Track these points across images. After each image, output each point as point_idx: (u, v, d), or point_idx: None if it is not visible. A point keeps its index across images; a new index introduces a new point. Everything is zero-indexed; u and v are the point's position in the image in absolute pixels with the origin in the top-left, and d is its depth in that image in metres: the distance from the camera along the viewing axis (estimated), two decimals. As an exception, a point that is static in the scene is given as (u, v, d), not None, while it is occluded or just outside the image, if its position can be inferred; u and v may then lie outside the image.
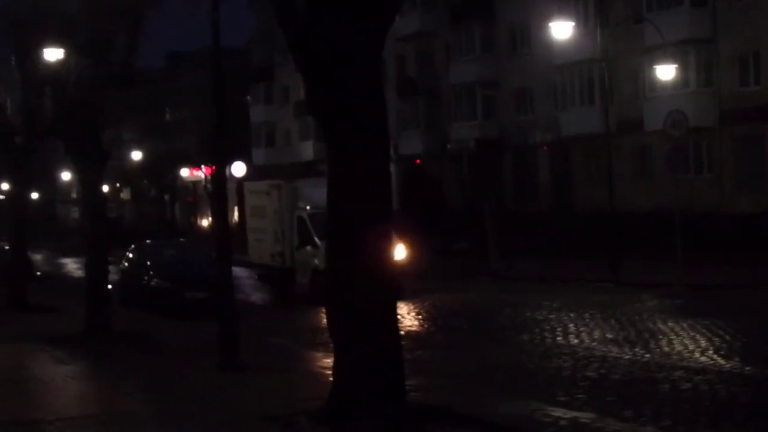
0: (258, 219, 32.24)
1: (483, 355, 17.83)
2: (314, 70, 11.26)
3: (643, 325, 20.25)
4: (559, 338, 19.21)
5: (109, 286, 22.06)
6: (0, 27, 26.49)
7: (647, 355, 16.64)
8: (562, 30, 35.42)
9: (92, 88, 21.13)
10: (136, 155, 72.46)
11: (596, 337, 19.13)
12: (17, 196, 29.03)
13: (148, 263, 28.63)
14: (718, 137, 40.13)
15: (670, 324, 20.18)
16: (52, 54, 22.11)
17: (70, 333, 20.96)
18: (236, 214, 63.81)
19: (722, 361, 15.69)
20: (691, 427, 11.65)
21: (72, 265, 52.13)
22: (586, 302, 24.93)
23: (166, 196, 79.71)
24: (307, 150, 66.15)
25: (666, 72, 34.93)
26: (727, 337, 18.10)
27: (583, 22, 43.05)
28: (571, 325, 20.83)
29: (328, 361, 12.88)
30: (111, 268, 22.85)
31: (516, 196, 50.46)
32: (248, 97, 74.24)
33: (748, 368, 15.03)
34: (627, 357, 16.62)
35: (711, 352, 16.61)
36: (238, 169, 51.16)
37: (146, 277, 27.88)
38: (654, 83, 39.69)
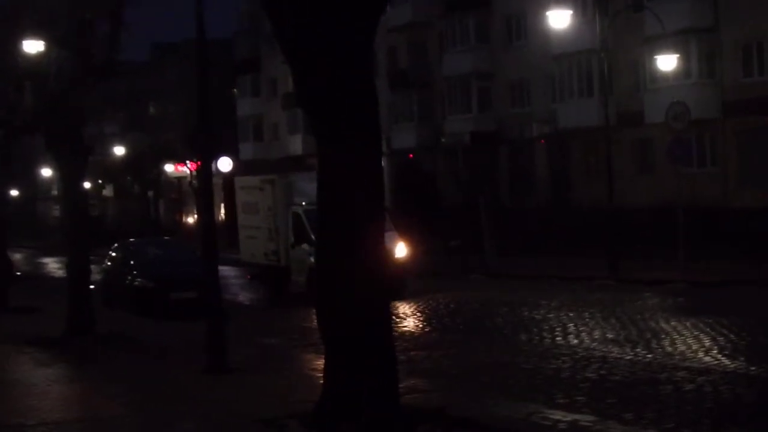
0: (250, 216, 31.96)
1: (479, 355, 17.84)
2: (303, 61, 11.23)
3: (645, 324, 20.28)
4: (558, 338, 19.23)
5: (92, 286, 22.03)
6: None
7: (649, 356, 16.66)
8: (559, 19, 35.44)
9: (73, 82, 21.08)
10: (119, 150, 72.36)
11: (596, 336, 19.15)
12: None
13: (132, 262, 28.62)
14: (721, 130, 40.19)
15: (672, 323, 20.21)
16: (32, 46, 22.02)
17: (51, 334, 20.93)
18: (223, 210, 63.75)
19: (727, 361, 15.70)
20: (694, 430, 11.65)
21: (53, 265, 52.07)
22: (585, 301, 24.96)
23: (150, 193, 79.61)
24: (296, 144, 66.14)
25: (667, 62, 34.96)
26: (732, 336, 18.13)
27: (581, 11, 43.06)
28: (570, 325, 20.84)
29: (320, 363, 12.87)
30: (93, 267, 22.81)
31: (512, 191, 50.53)
32: (234, 89, 74.19)
33: (753, 368, 15.04)
34: (628, 357, 16.63)
35: (715, 351, 16.62)
36: (225, 164, 51.21)
37: (130, 277, 27.85)
38: (655, 74, 39.74)
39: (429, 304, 26.32)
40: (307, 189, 27.74)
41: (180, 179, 74.40)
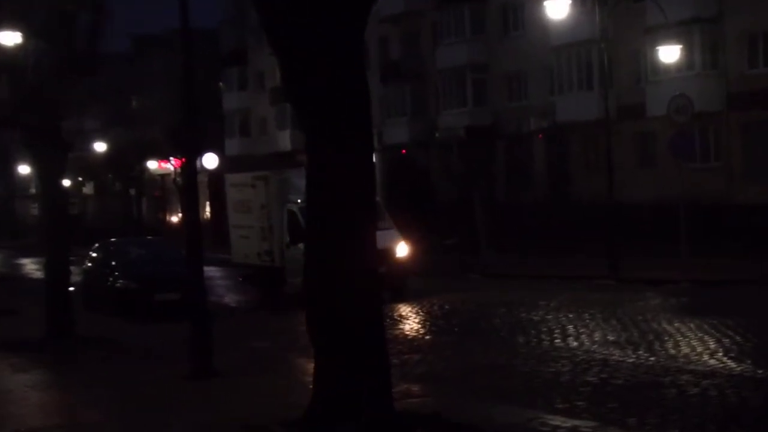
0: (242, 215, 31.54)
1: (475, 358, 17.82)
2: (291, 53, 11.20)
3: (647, 326, 20.27)
4: (557, 340, 19.21)
5: (71, 288, 21.99)
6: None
7: (652, 358, 16.65)
8: (557, 9, 35.34)
9: (52, 75, 21.02)
10: (100, 146, 72.10)
11: (597, 338, 19.14)
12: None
13: (114, 263, 28.57)
14: (725, 123, 40.22)
15: (675, 324, 20.21)
16: (9, 38, 21.95)
17: (29, 338, 20.91)
18: (208, 209, 63.72)
19: (732, 364, 15.69)
20: (699, 435, 11.67)
21: (31, 266, 51.96)
22: (585, 301, 24.96)
23: (132, 191, 79.40)
24: (285, 139, 66.09)
25: (669, 54, 34.93)
26: (737, 337, 18.12)
27: (580, 0, 43.06)
28: (569, 326, 20.83)
29: (311, 366, 12.84)
30: (73, 268, 22.78)
31: (509, 187, 50.49)
32: (220, 82, 74.09)
33: (760, 371, 15.02)
34: (630, 360, 16.62)
35: (720, 354, 16.61)
36: (210, 160, 51.05)
37: (111, 278, 27.80)
38: (656, 66, 39.73)
39: (424, 306, 26.30)
40: (302, 186, 27.52)
41: (163, 176, 74.17)
